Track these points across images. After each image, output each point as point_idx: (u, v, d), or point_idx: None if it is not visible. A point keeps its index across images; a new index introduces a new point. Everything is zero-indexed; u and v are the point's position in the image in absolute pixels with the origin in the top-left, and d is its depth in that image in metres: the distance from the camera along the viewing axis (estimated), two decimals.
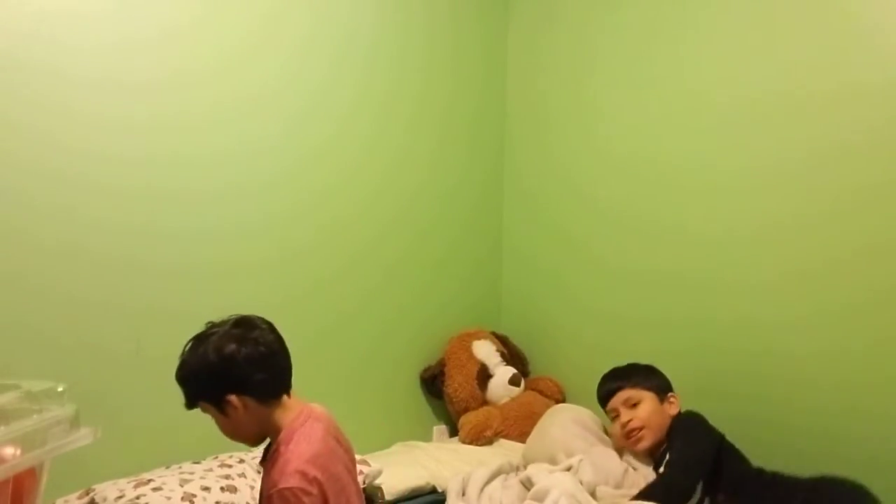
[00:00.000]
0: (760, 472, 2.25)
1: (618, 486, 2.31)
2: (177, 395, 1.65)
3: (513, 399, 2.99)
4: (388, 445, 2.82)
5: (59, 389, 1.28)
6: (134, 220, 2.27)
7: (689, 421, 2.34)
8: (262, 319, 1.70)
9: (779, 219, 2.49)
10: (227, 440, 1.70)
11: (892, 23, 2.28)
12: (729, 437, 2.30)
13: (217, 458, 2.20)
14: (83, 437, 1.26)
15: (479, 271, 3.24)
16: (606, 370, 2.51)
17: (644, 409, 2.38)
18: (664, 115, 2.77)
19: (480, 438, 2.83)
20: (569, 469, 2.32)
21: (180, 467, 2.14)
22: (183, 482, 2.03)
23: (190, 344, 1.66)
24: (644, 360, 2.51)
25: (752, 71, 2.54)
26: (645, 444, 2.37)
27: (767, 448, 2.36)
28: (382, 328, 2.89)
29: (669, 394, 2.43)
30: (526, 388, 3.06)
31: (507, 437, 2.87)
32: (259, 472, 1.93)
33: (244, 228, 2.50)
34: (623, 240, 2.89)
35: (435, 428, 3.06)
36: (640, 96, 2.83)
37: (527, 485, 2.29)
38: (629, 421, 2.38)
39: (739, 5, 2.57)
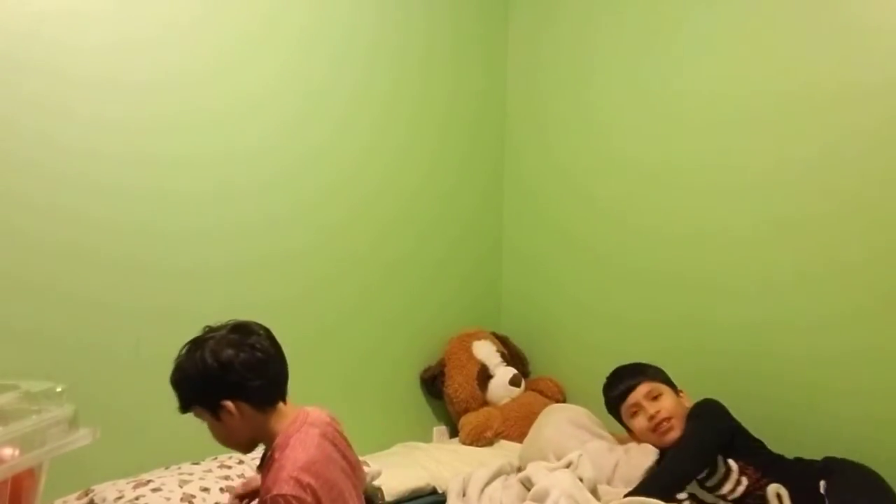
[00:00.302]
0: (781, 457, 2.24)
1: (608, 480, 2.30)
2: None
3: (513, 400, 2.98)
4: (388, 446, 2.82)
5: (58, 390, 1.28)
6: (134, 220, 2.27)
7: (701, 408, 2.31)
8: (260, 325, 1.68)
9: (779, 219, 2.49)
10: None
11: (892, 23, 2.28)
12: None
13: (216, 458, 2.20)
14: (82, 437, 1.25)
15: (479, 271, 3.23)
16: (607, 370, 2.50)
17: (667, 400, 2.35)
18: (664, 115, 2.77)
19: (481, 439, 2.82)
20: (568, 466, 2.31)
21: (179, 468, 2.14)
22: (182, 483, 2.03)
23: (186, 348, 1.65)
24: (645, 360, 2.50)
25: (752, 71, 2.54)
26: (674, 434, 2.29)
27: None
28: (382, 328, 2.89)
29: (678, 388, 2.42)
30: (526, 388, 3.06)
31: (507, 437, 2.86)
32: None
33: (244, 228, 2.50)
34: (623, 240, 2.89)
35: (435, 429, 3.06)
36: (640, 96, 2.83)
37: (526, 484, 2.28)
38: (657, 412, 2.32)
39: (739, 5, 2.57)
